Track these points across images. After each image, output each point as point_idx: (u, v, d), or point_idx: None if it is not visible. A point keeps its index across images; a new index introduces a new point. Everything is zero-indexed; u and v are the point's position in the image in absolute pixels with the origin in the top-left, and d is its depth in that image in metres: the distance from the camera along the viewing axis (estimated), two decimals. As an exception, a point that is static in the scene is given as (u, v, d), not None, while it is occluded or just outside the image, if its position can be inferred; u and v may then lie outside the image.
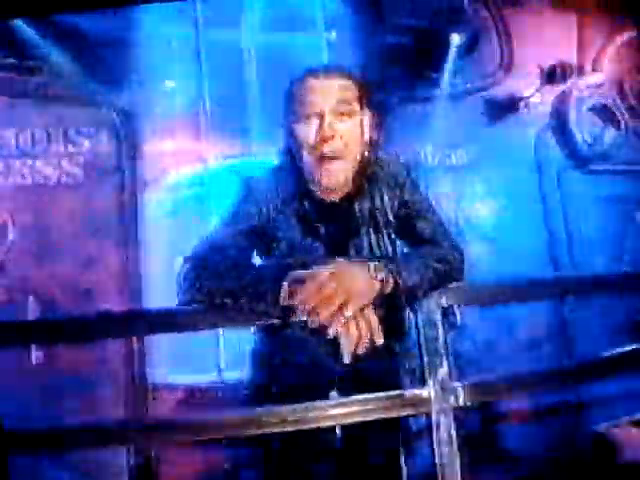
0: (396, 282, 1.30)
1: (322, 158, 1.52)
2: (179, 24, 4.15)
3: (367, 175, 1.63)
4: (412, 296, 1.32)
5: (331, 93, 1.52)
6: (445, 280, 1.40)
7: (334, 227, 1.59)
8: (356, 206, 1.61)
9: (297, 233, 1.58)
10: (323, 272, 1.24)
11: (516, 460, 3.10)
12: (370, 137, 1.63)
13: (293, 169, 1.62)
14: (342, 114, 1.52)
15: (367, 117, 1.61)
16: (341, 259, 1.35)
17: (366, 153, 1.63)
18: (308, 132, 1.52)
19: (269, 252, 1.60)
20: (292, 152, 1.61)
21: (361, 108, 1.58)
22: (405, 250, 1.63)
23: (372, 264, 1.31)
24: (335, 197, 1.60)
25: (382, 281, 1.30)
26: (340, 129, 1.52)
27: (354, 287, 1.25)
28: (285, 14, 4.10)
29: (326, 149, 1.51)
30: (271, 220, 1.58)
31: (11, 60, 3.72)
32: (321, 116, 1.51)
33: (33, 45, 3.64)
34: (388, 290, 1.31)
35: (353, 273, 1.29)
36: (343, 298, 1.22)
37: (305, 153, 1.54)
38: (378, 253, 1.60)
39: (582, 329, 4.20)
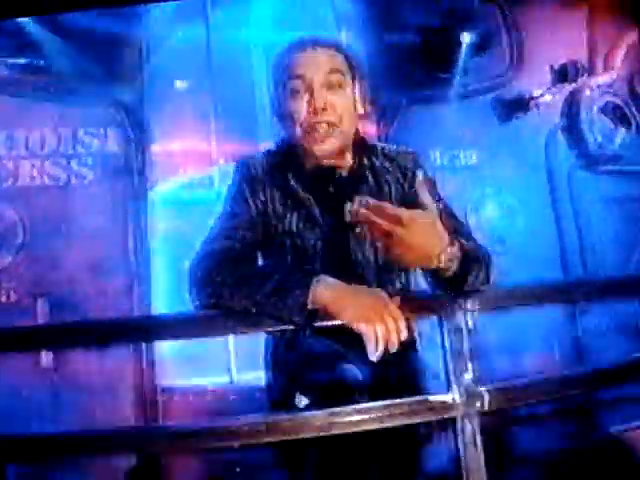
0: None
1: (315, 128, 1.48)
2: (189, 24, 4.13)
3: (371, 164, 1.59)
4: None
5: (320, 65, 1.49)
6: (475, 264, 1.35)
7: (332, 212, 1.53)
8: (358, 193, 1.50)
9: (294, 218, 1.53)
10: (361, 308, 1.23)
11: (530, 462, 3.08)
12: (363, 109, 1.59)
13: (289, 153, 1.57)
14: (333, 85, 1.49)
15: (359, 88, 1.57)
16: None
17: (360, 128, 1.59)
18: (298, 106, 1.49)
19: (270, 239, 1.55)
20: (284, 131, 1.57)
21: (352, 80, 1.54)
22: None
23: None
24: (330, 163, 1.54)
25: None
26: (332, 100, 1.48)
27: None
28: (295, 14, 4.09)
29: (319, 119, 1.47)
30: (270, 206, 1.54)
31: (20, 60, 3.71)
32: (311, 89, 1.47)
33: (42, 45, 3.64)
34: None
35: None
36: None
37: (297, 126, 1.50)
38: None
39: (593, 331, 4.17)
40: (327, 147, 1.51)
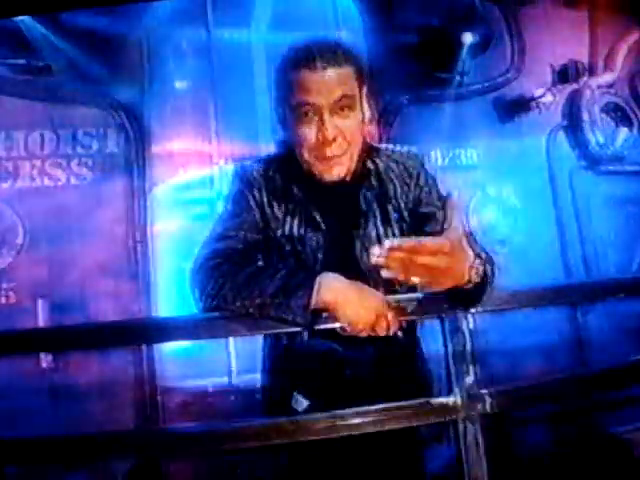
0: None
1: (325, 159, 1.45)
2: (189, 24, 4.13)
3: (375, 167, 1.57)
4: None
5: (330, 91, 1.41)
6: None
7: (335, 216, 1.52)
8: (361, 196, 1.54)
9: (295, 223, 1.52)
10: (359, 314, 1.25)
11: (531, 463, 3.07)
12: (370, 115, 1.55)
13: (290, 157, 1.52)
14: (344, 109, 1.43)
15: (367, 98, 1.52)
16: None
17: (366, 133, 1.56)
18: (307, 132, 1.43)
19: (270, 244, 1.53)
20: (288, 143, 1.53)
21: (360, 92, 1.48)
22: None
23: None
24: (335, 178, 1.50)
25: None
26: (342, 127, 1.43)
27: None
28: (295, 13, 4.08)
29: (329, 153, 1.44)
30: (268, 210, 1.52)
31: (20, 61, 3.69)
32: (321, 115, 1.41)
33: (42, 45, 3.62)
34: None
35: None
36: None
37: (305, 152, 1.46)
38: None
39: (595, 332, 4.16)
40: (336, 173, 1.48)
